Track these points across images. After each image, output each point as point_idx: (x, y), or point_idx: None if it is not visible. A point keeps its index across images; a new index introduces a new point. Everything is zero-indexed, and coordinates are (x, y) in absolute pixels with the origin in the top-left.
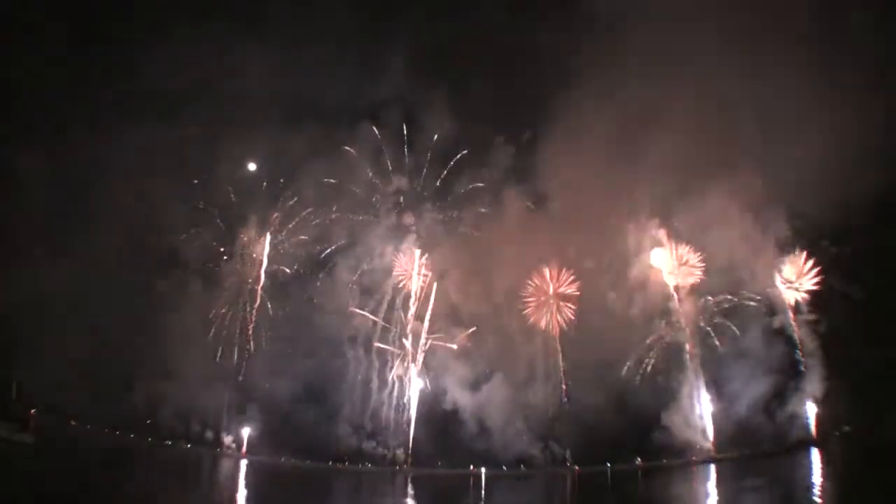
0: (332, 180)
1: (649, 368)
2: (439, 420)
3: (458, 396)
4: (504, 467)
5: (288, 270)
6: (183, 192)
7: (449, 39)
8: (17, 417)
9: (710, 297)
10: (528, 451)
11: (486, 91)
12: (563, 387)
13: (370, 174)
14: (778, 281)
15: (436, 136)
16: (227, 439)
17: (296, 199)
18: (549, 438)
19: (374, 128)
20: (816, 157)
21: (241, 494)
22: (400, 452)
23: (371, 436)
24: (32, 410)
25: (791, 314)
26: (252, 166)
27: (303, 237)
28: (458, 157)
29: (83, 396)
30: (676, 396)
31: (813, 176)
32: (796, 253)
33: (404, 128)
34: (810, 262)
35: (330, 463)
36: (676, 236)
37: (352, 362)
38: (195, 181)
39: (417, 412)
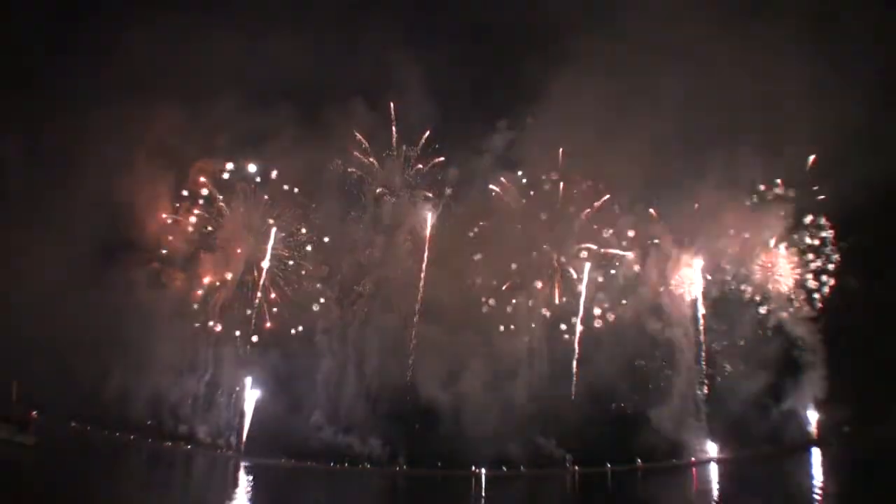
0: (315, 167)
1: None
2: (423, 416)
3: (442, 392)
4: (504, 468)
5: (267, 263)
6: (163, 182)
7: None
8: (17, 419)
9: (707, 293)
10: (526, 449)
11: (477, 73)
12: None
13: (357, 158)
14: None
15: (425, 123)
16: (222, 440)
17: (279, 188)
18: (544, 437)
19: (365, 112)
20: (817, 147)
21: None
22: (377, 447)
23: (347, 431)
24: (34, 412)
25: (791, 311)
26: (233, 157)
27: (284, 228)
28: (450, 144)
29: (78, 397)
30: (671, 395)
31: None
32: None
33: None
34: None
35: (332, 464)
36: (672, 228)
37: (327, 356)
38: (175, 170)
39: (400, 407)
